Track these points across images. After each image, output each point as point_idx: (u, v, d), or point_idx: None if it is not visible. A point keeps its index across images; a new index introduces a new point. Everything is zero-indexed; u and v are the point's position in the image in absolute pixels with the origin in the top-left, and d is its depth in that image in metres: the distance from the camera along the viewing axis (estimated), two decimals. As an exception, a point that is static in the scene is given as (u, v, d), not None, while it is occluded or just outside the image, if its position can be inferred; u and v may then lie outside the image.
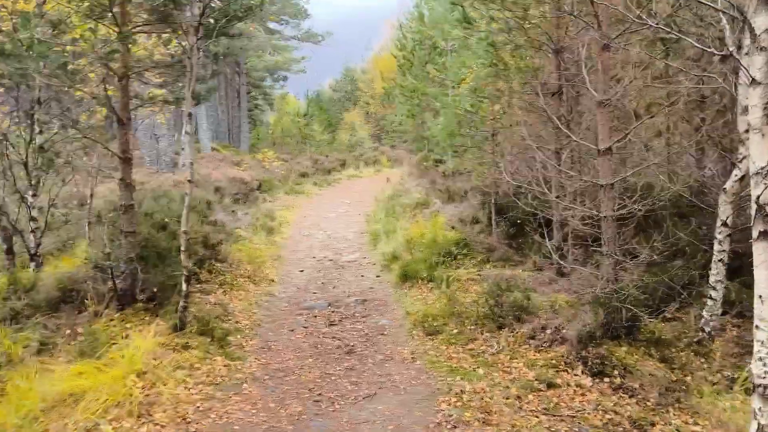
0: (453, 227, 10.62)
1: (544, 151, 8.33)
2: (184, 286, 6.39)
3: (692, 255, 6.99)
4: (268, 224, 12.03)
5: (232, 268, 8.95)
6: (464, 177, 14.42)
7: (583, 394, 5.09)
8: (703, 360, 5.67)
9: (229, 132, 48.90)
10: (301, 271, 9.76)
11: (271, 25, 32.16)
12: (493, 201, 10.00)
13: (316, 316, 7.55)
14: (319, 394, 5.21)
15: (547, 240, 7.65)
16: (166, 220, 8.77)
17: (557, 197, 7.79)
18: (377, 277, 9.32)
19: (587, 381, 5.33)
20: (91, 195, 8.92)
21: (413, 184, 16.66)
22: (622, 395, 5.08)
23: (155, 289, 6.99)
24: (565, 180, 7.37)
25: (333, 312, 7.70)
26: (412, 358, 6.10)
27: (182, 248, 6.33)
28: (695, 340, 6.03)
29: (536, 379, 5.30)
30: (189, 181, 6.31)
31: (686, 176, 7.59)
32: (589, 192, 7.56)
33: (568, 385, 5.21)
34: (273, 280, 9.01)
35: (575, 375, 5.41)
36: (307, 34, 40.48)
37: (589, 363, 5.86)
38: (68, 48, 6.48)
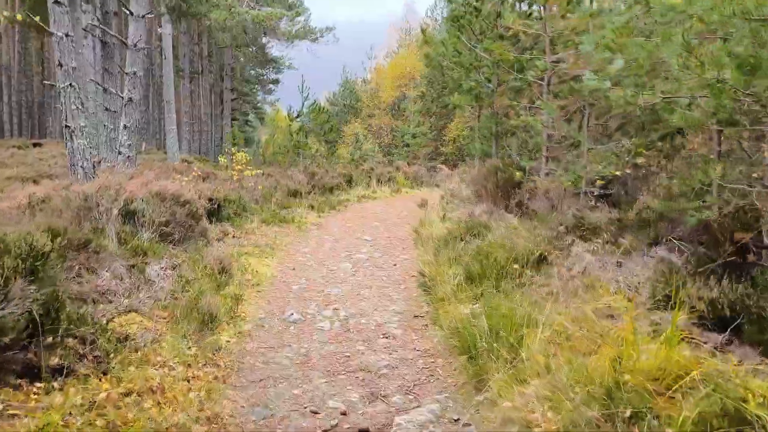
0: (690, 336, 3.90)
1: None
2: None
3: None
4: (205, 305, 5.15)
5: None
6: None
7: None
8: None
9: (212, 144, 42.39)
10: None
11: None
12: None
13: None
14: None
15: None
16: None
17: None
18: None
19: None
20: None
21: (479, 208, 9.94)
22: None
23: None
24: None
25: None
26: None
27: None
28: None
29: None
30: None
31: None
32: None
33: None
34: None
35: None
36: (304, 29, 34.29)
37: None
38: None
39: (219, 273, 6.29)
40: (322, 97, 47.10)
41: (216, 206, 9.63)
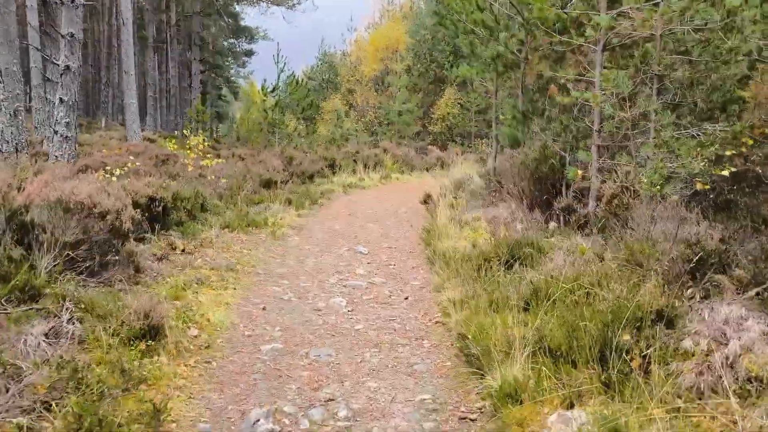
0: None
1: None
2: None
3: None
4: None
5: None
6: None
7: None
8: None
9: (180, 120, 39.38)
10: None
11: None
12: None
13: None
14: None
15: None
16: None
17: None
18: None
19: None
20: None
21: (503, 210, 7.73)
22: None
23: None
24: None
25: None
26: None
27: None
28: None
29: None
30: None
31: None
32: None
33: None
34: None
35: None
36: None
37: None
38: None
39: (143, 335, 3.97)
40: (300, 72, 44.19)
41: (161, 209, 7.23)
